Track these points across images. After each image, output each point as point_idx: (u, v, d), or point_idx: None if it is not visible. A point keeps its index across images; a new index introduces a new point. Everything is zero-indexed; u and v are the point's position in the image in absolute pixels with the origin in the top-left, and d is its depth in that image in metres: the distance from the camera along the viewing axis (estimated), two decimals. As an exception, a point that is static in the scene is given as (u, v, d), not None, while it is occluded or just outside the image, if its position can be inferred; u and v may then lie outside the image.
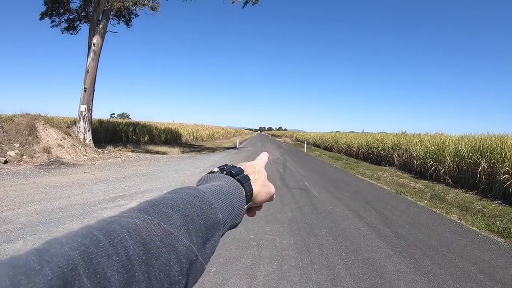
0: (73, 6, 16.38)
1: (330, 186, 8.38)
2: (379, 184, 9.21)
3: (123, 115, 76.38)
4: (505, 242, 4.48)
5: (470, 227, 5.14)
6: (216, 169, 0.52)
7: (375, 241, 4.22)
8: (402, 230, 4.73)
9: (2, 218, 4.41)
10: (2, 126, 10.09)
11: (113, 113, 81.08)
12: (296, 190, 7.52)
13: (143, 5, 14.95)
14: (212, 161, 13.86)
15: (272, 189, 0.57)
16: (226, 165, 0.54)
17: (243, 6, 16.78)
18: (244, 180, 0.50)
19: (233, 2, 16.17)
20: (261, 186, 0.54)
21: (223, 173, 0.50)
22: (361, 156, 17.93)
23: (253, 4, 16.52)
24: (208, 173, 0.51)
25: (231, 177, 0.49)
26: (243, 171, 0.52)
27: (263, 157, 0.65)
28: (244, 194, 0.48)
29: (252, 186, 0.51)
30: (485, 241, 4.49)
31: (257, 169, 0.56)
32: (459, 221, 5.52)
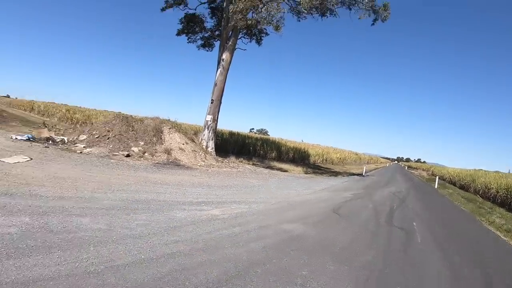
0: (208, 25, 18.03)
1: (442, 232, 6.42)
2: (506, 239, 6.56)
3: (261, 131, 77.14)
4: None
5: None
6: None
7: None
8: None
9: (91, 198, 5.01)
10: (132, 126, 12.16)
11: (252, 128, 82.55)
12: (398, 230, 6.01)
13: (268, 23, 14.27)
14: (328, 185, 12.68)
15: None
16: None
17: (372, 24, 15.75)
18: None
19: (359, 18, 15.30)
20: None
21: None
22: (499, 200, 13.75)
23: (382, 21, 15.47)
24: None
25: None
26: None
27: None
28: None
29: None
30: None
31: None
32: None
